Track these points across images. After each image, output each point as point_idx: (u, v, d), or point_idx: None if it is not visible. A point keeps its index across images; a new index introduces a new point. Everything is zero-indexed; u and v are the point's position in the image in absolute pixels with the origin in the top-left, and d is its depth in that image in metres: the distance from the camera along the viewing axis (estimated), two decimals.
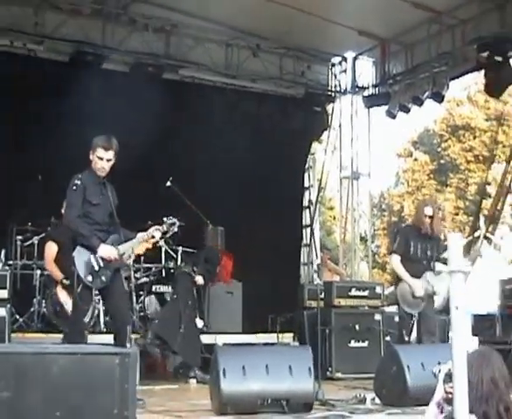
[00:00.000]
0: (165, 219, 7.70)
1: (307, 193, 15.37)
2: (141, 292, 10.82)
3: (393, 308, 11.64)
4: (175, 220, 7.73)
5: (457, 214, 34.85)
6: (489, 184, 30.20)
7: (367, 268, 16.80)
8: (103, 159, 7.13)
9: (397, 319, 11.19)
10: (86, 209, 7.14)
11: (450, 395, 3.77)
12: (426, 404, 5.91)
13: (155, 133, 11.54)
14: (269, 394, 5.69)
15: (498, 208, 16.22)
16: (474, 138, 34.75)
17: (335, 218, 33.46)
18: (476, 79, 33.71)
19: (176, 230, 7.81)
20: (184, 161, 12.49)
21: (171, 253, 11.38)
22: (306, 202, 15.26)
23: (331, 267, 13.66)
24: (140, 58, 12.89)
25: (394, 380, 6.28)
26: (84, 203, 7.12)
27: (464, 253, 9.44)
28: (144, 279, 11.04)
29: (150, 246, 7.72)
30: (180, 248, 11.36)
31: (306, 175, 15.40)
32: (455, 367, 2.97)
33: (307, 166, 15.41)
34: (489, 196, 24.93)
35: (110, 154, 7.15)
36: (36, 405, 3.54)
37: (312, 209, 14.73)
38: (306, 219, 15.22)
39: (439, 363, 4.21)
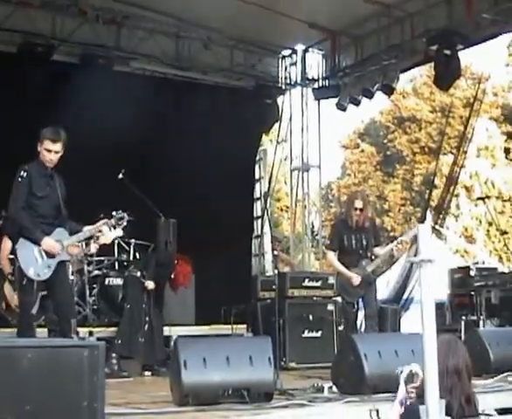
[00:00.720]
0: (114, 213, 7.70)
1: (258, 185, 15.43)
2: (94, 285, 10.77)
3: None
4: (124, 214, 7.72)
5: (403, 205, 35.29)
6: (436, 175, 30.63)
7: (314, 259, 16.99)
8: (51, 151, 7.10)
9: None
10: (31, 201, 7.11)
11: (412, 395, 4.05)
12: (384, 392, 6.09)
13: (105, 126, 11.45)
14: (230, 384, 5.73)
15: (446, 199, 16.45)
16: (420, 130, 35.20)
17: (282, 210, 33.64)
18: (421, 72, 34.22)
19: (125, 224, 7.79)
20: (136, 153, 12.42)
21: (124, 246, 11.36)
22: (257, 194, 15.33)
23: (283, 258, 13.74)
24: (90, 50, 12.79)
25: (352, 368, 6.37)
26: (29, 196, 7.08)
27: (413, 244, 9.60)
28: (97, 272, 10.98)
29: (109, 241, 7.71)
30: (133, 240, 11.35)
31: (257, 166, 15.47)
32: (426, 354, 3.05)
33: (258, 158, 15.48)
34: (435, 187, 25.27)
35: (58, 147, 7.12)
36: (5, 399, 3.54)
37: (263, 200, 14.77)
38: (257, 211, 15.30)
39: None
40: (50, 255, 7.06)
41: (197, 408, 5.51)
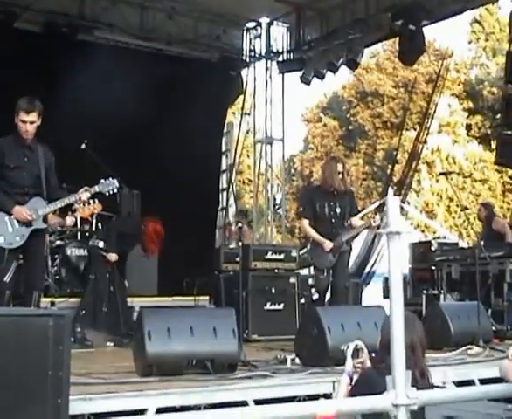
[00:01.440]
0: (103, 181, 7.69)
1: (223, 157, 15.42)
2: (56, 256, 10.70)
3: (307, 271, 11.90)
4: (114, 180, 7.71)
5: (365, 179, 35.52)
6: (398, 150, 30.84)
7: (276, 232, 17.06)
8: (26, 122, 7.09)
9: (310, 281, 11.48)
10: (3, 172, 7.09)
11: (358, 369, 4.76)
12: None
13: (68, 95, 11.33)
14: (194, 355, 5.74)
15: (408, 175, 16.56)
16: (383, 105, 35.39)
17: (244, 183, 33.68)
18: (385, 47, 34.37)
19: (115, 191, 7.79)
20: (98, 124, 12.30)
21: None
22: (223, 167, 15.33)
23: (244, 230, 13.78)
24: (53, 18, 12.63)
25: (315, 341, 6.41)
26: (2, 168, 7.07)
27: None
28: (58, 242, 10.91)
29: (89, 212, 7.67)
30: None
31: (223, 139, 15.45)
32: (393, 325, 3.08)
33: (225, 130, 15.46)
34: (397, 163, 25.46)
35: (33, 117, 7.10)
36: None
37: (228, 173, 14.78)
38: (222, 183, 15.30)
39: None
40: (23, 223, 7.05)
41: (161, 378, 5.51)
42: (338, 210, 8.89)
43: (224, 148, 15.53)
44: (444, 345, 7.67)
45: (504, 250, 10.41)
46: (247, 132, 16.63)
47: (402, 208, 19.63)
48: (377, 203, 8.75)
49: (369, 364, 4.96)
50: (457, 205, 32.06)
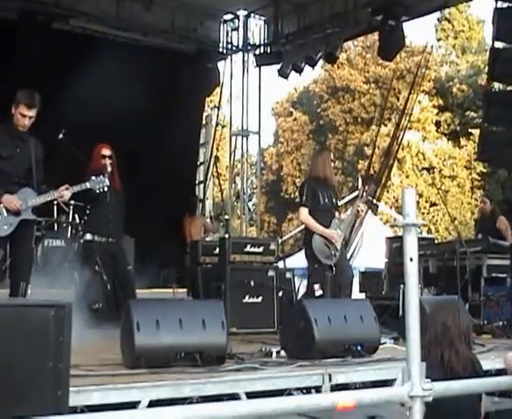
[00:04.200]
0: (93, 178, 7.68)
1: (201, 150, 15.36)
2: (33, 247, 10.55)
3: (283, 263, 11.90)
4: (105, 179, 7.72)
5: (335, 174, 35.57)
6: (368, 146, 31.02)
7: (249, 226, 17.07)
8: (26, 116, 7.08)
9: (288, 275, 11.47)
10: None
11: None
12: (332, 357, 6.16)
13: (45, 85, 11.16)
14: (182, 347, 5.69)
15: (384, 173, 16.55)
16: (354, 100, 35.51)
17: (213, 176, 33.63)
18: (356, 42, 34.47)
19: (105, 189, 7.78)
20: (76, 114, 12.17)
21: (63, 207, 11.16)
22: (201, 159, 15.28)
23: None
24: (29, 6, 12.47)
25: (301, 333, 6.39)
26: None
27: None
28: (35, 233, 10.76)
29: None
30: (72, 202, 11.14)
31: (202, 131, 15.40)
32: (409, 315, 3.09)
33: (204, 123, 15.41)
34: (367, 158, 25.60)
35: (33, 112, 7.11)
36: None
37: (207, 165, 14.73)
38: (199, 175, 15.24)
39: None
40: (12, 212, 7.00)
41: (151, 370, 5.47)
42: (334, 200, 8.91)
43: (202, 141, 15.47)
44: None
45: (481, 245, 10.50)
46: (217, 125, 16.57)
47: (374, 204, 19.73)
48: (351, 196, 8.84)
49: None
50: (426, 201, 32.32)
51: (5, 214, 6.99)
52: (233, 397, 5.17)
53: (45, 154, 7.47)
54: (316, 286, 8.56)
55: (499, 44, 8.27)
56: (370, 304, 6.96)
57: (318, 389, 5.53)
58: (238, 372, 5.66)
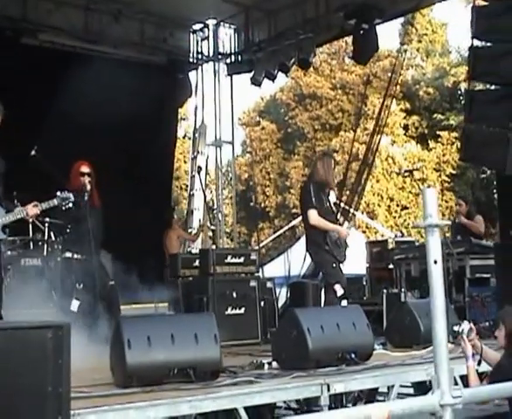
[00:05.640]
0: (58, 193, 7.45)
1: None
2: (9, 267, 10.30)
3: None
4: (69, 194, 7.48)
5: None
6: (337, 152, 30.97)
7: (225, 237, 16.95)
8: None
9: (269, 284, 11.31)
10: None
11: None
12: (326, 366, 6.03)
13: (12, 101, 10.95)
14: (175, 363, 5.52)
15: (361, 182, 16.41)
16: (321, 107, 35.52)
17: (181, 188, 33.37)
18: (321, 49, 34.45)
19: (70, 205, 7.55)
20: (46, 129, 11.99)
21: (39, 225, 10.93)
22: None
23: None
24: None
25: (294, 343, 6.25)
26: None
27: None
28: (10, 253, 10.50)
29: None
30: (47, 219, 10.91)
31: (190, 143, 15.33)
32: (434, 318, 2.97)
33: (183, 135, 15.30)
34: (338, 164, 25.48)
35: None
36: None
37: (197, 175, 14.54)
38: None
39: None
40: None
41: (144, 389, 5.29)
42: (333, 206, 8.94)
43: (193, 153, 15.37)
44: (413, 343, 7.64)
45: (464, 246, 10.44)
46: (184, 137, 16.47)
47: (349, 212, 19.65)
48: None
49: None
50: (397, 205, 32.39)
51: None
52: (232, 412, 5.04)
53: (8, 168, 7.23)
54: (337, 286, 8.41)
55: (477, 43, 8.22)
56: (361, 310, 6.85)
57: (317, 400, 5.42)
58: (235, 386, 5.51)
